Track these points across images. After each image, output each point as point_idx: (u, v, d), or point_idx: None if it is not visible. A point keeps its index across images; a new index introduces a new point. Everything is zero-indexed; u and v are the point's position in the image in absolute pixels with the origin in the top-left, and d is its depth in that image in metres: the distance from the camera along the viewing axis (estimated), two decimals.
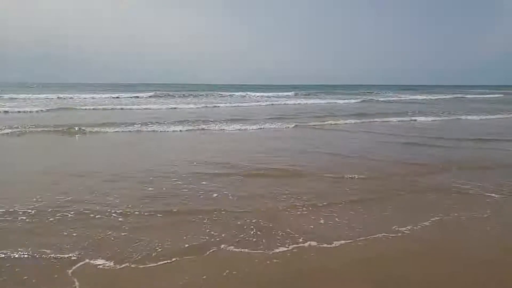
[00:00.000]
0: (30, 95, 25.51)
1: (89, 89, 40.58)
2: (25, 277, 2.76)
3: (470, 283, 2.79)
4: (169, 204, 4.29)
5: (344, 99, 28.87)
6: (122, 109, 18.19)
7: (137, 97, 27.90)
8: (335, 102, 26.47)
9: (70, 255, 3.07)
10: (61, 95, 26.46)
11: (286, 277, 2.81)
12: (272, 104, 23.60)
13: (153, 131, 10.69)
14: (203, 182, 5.19)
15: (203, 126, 11.57)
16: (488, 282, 2.80)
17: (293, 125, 12.21)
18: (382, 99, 31.70)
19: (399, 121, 14.21)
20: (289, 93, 37.52)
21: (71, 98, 25.23)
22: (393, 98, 33.19)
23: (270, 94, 35.79)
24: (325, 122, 13.20)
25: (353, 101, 27.73)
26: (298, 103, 25.10)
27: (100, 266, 2.92)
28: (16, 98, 23.18)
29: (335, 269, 2.94)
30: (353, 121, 13.75)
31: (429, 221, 3.88)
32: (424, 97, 34.97)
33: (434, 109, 19.96)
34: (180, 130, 10.94)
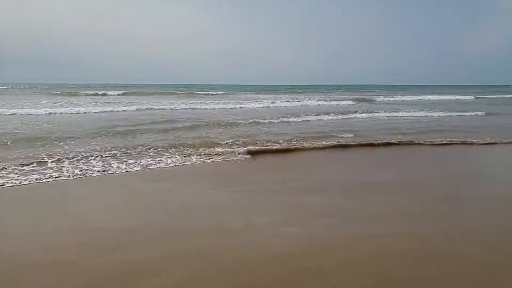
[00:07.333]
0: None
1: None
2: None
3: (460, 279, 2.73)
4: None
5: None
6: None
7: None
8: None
9: None
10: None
11: (278, 275, 2.76)
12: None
13: None
14: None
15: None
16: (479, 279, 2.74)
17: None
18: None
19: None
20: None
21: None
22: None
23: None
24: None
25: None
26: None
27: None
28: None
29: (326, 267, 2.87)
30: None
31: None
32: None
33: None
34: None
